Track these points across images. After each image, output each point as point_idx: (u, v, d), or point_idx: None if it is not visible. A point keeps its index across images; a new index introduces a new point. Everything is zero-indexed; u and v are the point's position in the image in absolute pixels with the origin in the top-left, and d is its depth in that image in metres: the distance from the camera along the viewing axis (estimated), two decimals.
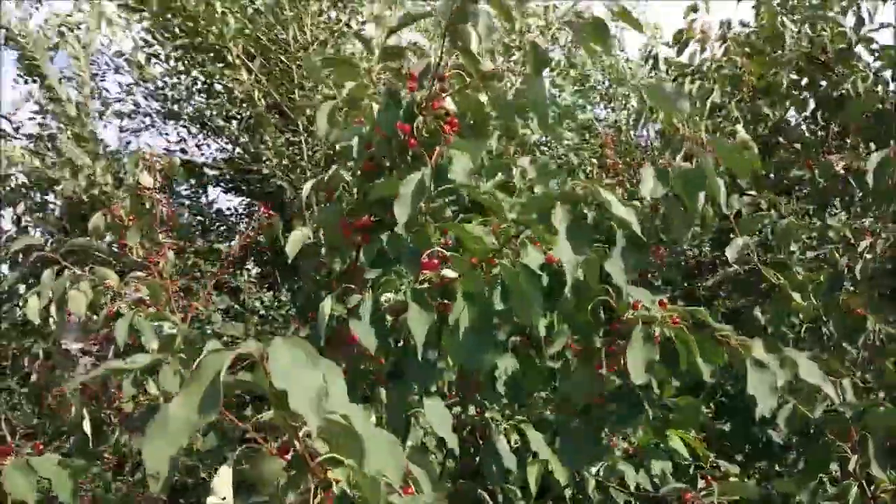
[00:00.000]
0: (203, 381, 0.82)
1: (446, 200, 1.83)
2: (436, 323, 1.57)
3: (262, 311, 3.42)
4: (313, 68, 2.06)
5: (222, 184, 5.16)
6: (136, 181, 2.41)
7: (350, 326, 1.58)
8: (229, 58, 3.70)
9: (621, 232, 1.54)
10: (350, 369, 1.73)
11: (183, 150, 5.10)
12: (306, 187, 1.94)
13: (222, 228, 4.82)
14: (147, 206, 2.44)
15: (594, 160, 3.07)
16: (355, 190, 1.83)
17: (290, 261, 1.90)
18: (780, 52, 2.85)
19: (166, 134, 5.11)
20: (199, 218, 4.95)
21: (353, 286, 1.65)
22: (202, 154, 5.13)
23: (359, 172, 1.76)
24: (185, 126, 4.93)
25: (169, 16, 3.91)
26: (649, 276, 3.27)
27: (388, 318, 1.69)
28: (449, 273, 1.64)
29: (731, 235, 2.11)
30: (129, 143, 5.12)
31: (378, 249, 1.73)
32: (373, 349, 1.57)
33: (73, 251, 2.47)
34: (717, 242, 2.56)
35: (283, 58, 3.69)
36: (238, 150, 4.72)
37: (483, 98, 1.62)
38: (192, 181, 5.07)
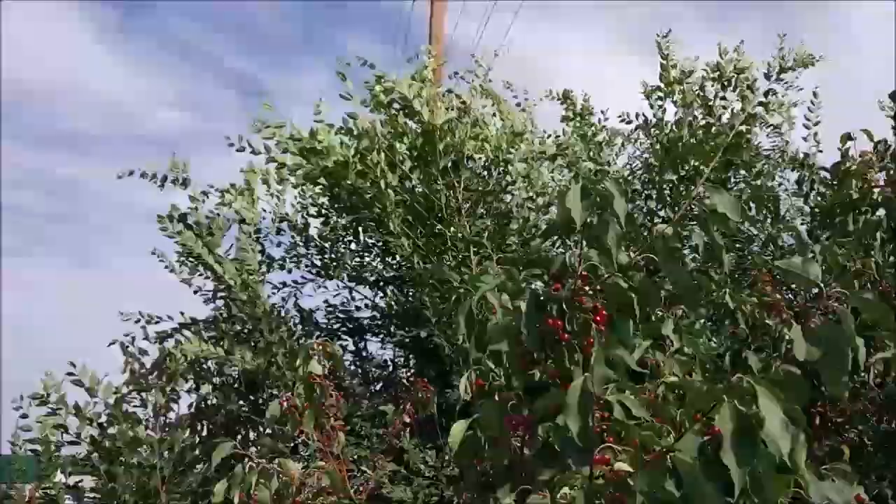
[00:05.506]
0: None
1: None
2: None
3: (427, 473, 3.45)
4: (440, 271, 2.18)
5: (379, 335, 5.40)
6: (308, 371, 2.59)
7: None
8: (391, 227, 3.99)
9: None
10: None
11: (343, 305, 5.37)
12: (462, 383, 2.02)
13: (380, 383, 5.02)
14: (318, 392, 2.61)
15: (754, 298, 2.91)
16: (512, 382, 1.86)
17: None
18: None
19: (325, 288, 5.38)
20: (358, 371, 5.17)
21: (528, 486, 1.66)
22: (359, 307, 5.39)
23: (515, 368, 1.80)
24: (344, 284, 5.22)
25: (337, 190, 4.30)
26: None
27: None
28: (623, 467, 1.60)
29: None
30: (295, 297, 5.44)
31: (543, 444, 1.73)
32: None
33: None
34: None
35: (437, 224, 3.98)
36: (394, 303, 4.96)
37: (623, 284, 1.63)
38: (353, 333, 5.34)
